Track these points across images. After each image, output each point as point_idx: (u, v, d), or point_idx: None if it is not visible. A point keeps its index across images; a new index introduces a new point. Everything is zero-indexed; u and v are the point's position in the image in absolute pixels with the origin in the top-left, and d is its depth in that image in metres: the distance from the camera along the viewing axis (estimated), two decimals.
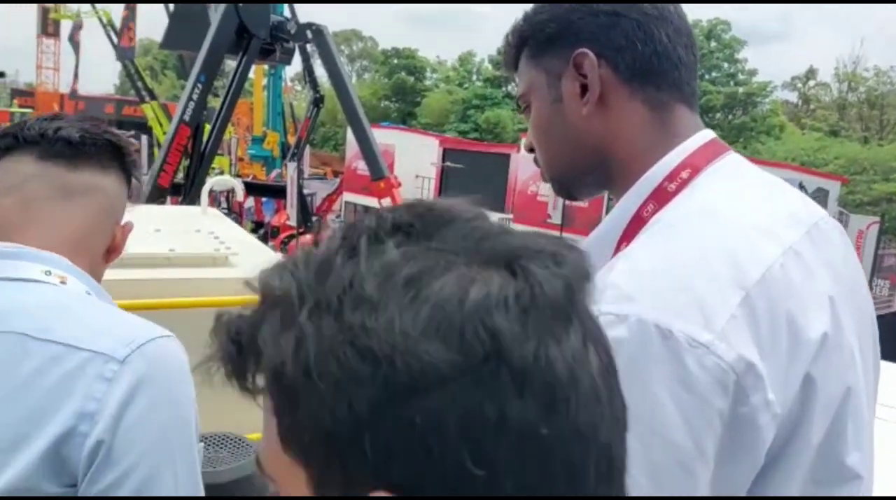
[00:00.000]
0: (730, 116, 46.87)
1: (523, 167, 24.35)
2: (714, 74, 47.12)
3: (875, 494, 0.89)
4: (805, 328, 0.73)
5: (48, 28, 46.74)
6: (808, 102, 54.11)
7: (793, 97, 55.53)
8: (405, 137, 30.35)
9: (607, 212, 0.91)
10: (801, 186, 25.20)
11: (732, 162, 0.87)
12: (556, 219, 22.25)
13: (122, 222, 1.06)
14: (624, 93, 0.86)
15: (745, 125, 45.27)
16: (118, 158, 1.02)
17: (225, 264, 3.17)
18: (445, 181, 25.76)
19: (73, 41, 37.78)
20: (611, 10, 0.85)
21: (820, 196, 26.19)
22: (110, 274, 2.71)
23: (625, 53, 0.85)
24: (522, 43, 0.93)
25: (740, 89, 46.09)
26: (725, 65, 47.64)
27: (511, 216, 25.46)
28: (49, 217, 0.95)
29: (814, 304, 0.75)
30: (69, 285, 0.91)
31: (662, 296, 0.70)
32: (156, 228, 3.57)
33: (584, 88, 0.86)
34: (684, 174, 0.84)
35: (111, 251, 1.04)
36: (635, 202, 0.86)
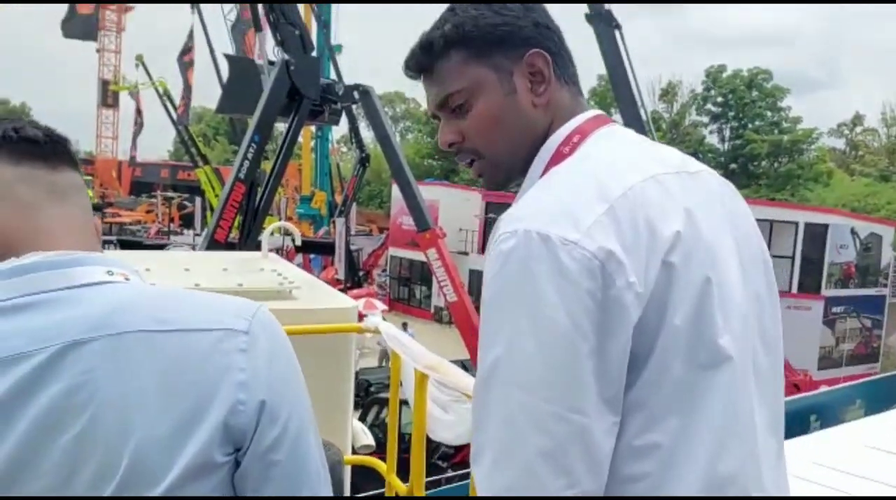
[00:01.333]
0: (775, 164, 46.30)
1: None
2: (757, 123, 46.85)
3: None
4: (660, 227, 0.91)
5: (108, 99, 49.31)
6: (856, 148, 53.24)
7: (840, 144, 54.77)
8: (449, 192, 30.70)
9: None
10: (854, 232, 24.59)
11: (614, 128, 1.08)
12: None
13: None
14: (557, 85, 1.07)
15: (791, 173, 44.66)
16: (71, 154, 1.00)
17: (289, 298, 3.37)
18: (489, 233, 25.95)
19: (137, 110, 39.66)
20: (545, 24, 1.07)
21: (874, 241, 25.51)
22: None
23: (556, 56, 1.07)
24: (459, 44, 1.05)
25: (785, 137, 45.64)
26: (769, 113, 47.36)
27: None
28: (57, 222, 0.93)
29: (669, 211, 0.94)
30: (132, 280, 0.92)
31: (542, 212, 0.90)
32: (223, 267, 3.82)
33: (532, 83, 1.06)
34: (575, 139, 1.04)
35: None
36: (540, 166, 1.05)
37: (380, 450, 3.42)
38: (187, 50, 33.17)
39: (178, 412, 0.82)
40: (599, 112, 1.10)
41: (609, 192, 0.92)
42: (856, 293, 23.99)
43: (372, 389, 14.59)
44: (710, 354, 0.91)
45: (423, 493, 2.69)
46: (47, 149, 0.95)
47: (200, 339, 0.85)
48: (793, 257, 23.08)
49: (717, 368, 0.91)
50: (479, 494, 0.88)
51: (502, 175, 1.11)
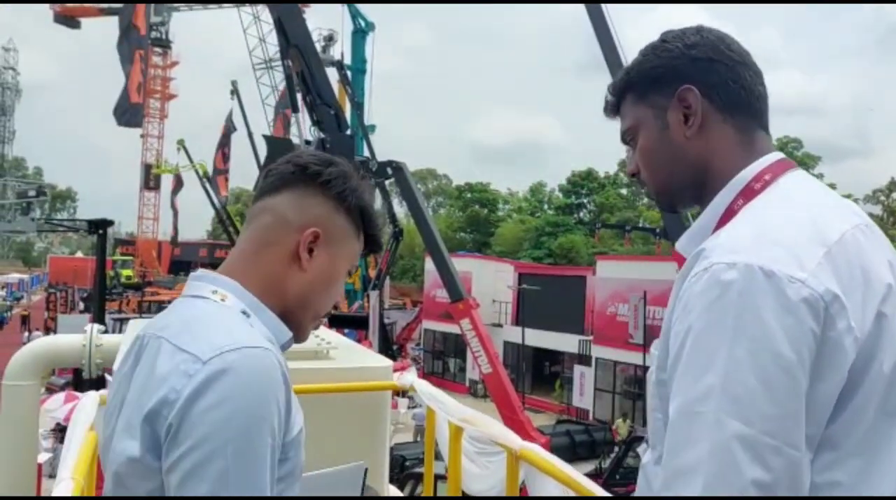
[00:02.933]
0: None
1: (600, 288, 24.22)
2: None
3: None
4: (875, 278, 0.95)
5: (150, 182, 51.16)
6: (893, 214, 52.56)
7: (876, 210, 54.11)
8: (481, 264, 30.78)
9: None
10: None
11: (802, 172, 1.10)
12: (638, 339, 21.73)
13: (310, 231, 1.14)
14: (718, 119, 1.08)
15: None
16: (297, 176, 1.16)
17: (326, 358, 3.47)
18: (522, 305, 25.83)
19: (173, 194, 41.07)
20: (706, 57, 1.09)
21: None
22: None
23: (719, 89, 1.08)
24: (628, 88, 1.16)
25: None
26: None
27: (591, 338, 25.10)
28: (236, 245, 1.19)
29: (879, 262, 0.97)
30: (228, 301, 1.08)
31: (763, 248, 0.91)
32: None
33: (686, 117, 1.09)
34: (767, 177, 1.06)
35: (296, 258, 1.14)
36: (728, 198, 1.06)
37: None
38: (227, 136, 34.54)
39: (132, 410, 0.99)
40: (783, 155, 1.11)
41: (825, 236, 0.95)
42: None
43: (407, 464, 14.38)
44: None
45: None
46: (264, 183, 1.20)
47: (178, 357, 0.99)
48: None
49: None
50: None
51: (665, 201, 1.18)
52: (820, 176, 48.36)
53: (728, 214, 1.05)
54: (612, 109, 1.20)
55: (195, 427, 0.92)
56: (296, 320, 1.16)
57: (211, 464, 0.92)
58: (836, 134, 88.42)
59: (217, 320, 1.04)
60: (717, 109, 1.08)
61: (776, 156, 1.09)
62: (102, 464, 1.11)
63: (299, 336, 1.19)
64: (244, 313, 1.08)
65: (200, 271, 1.15)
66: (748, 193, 1.05)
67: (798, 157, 46.82)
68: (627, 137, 1.18)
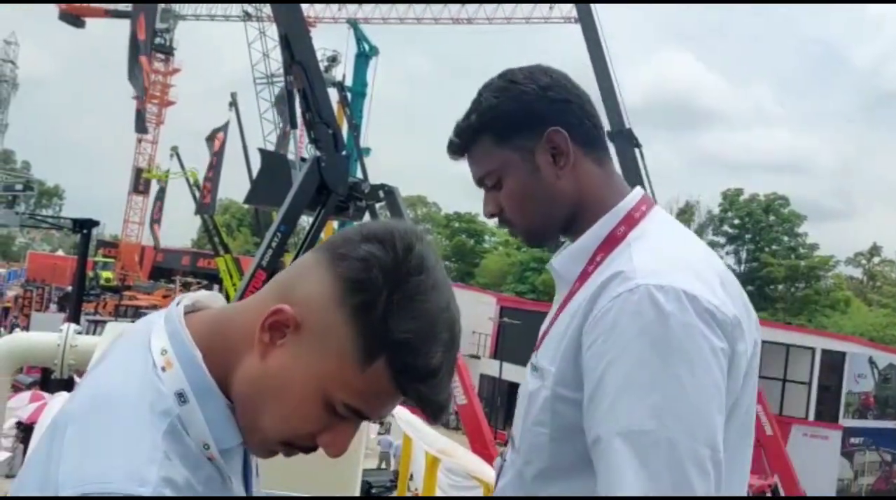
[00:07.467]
0: (792, 288, 46.24)
1: None
2: (774, 247, 47.16)
3: None
4: (752, 309, 1.11)
5: (139, 186, 50.85)
6: (873, 278, 53.16)
7: (857, 273, 54.71)
8: (464, 294, 30.63)
9: None
10: (872, 362, 24.16)
11: (660, 209, 1.21)
12: None
13: (285, 310, 0.79)
14: (580, 156, 1.15)
15: (808, 298, 44.46)
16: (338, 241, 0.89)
17: None
18: (502, 338, 25.76)
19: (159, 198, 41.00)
20: (562, 98, 1.14)
21: (892, 373, 25.04)
22: None
23: (577, 128, 1.14)
24: (482, 131, 1.16)
25: (802, 263, 45.76)
26: (785, 238, 47.75)
27: None
28: None
29: (744, 300, 1.11)
30: (168, 374, 0.79)
31: (681, 273, 1.02)
32: None
33: (555, 158, 1.14)
34: (644, 207, 1.16)
35: (269, 328, 0.80)
36: (611, 224, 1.13)
37: None
38: (214, 137, 34.45)
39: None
40: (642, 191, 1.20)
41: (714, 264, 1.10)
42: (875, 425, 23.30)
43: (373, 491, 14.21)
44: (748, 428, 1.09)
45: None
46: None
47: (51, 472, 0.75)
48: (809, 384, 22.59)
49: (749, 439, 1.10)
50: None
51: (536, 238, 1.23)
52: (805, 235, 49.20)
53: (611, 240, 1.12)
54: (459, 150, 1.20)
55: None
56: (240, 422, 0.83)
57: None
58: (821, 194, 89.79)
59: (115, 420, 0.75)
60: (579, 146, 1.14)
61: (640, 190, 1.19)
62: None
63: (249, 446, 0.85)
64: (180, 395, 0.78)
65: (188, 299, 0.89)
66: (629, 220, 1.13)
67: (785, 215, 47.41)
68: (488, 181, 1.18)
